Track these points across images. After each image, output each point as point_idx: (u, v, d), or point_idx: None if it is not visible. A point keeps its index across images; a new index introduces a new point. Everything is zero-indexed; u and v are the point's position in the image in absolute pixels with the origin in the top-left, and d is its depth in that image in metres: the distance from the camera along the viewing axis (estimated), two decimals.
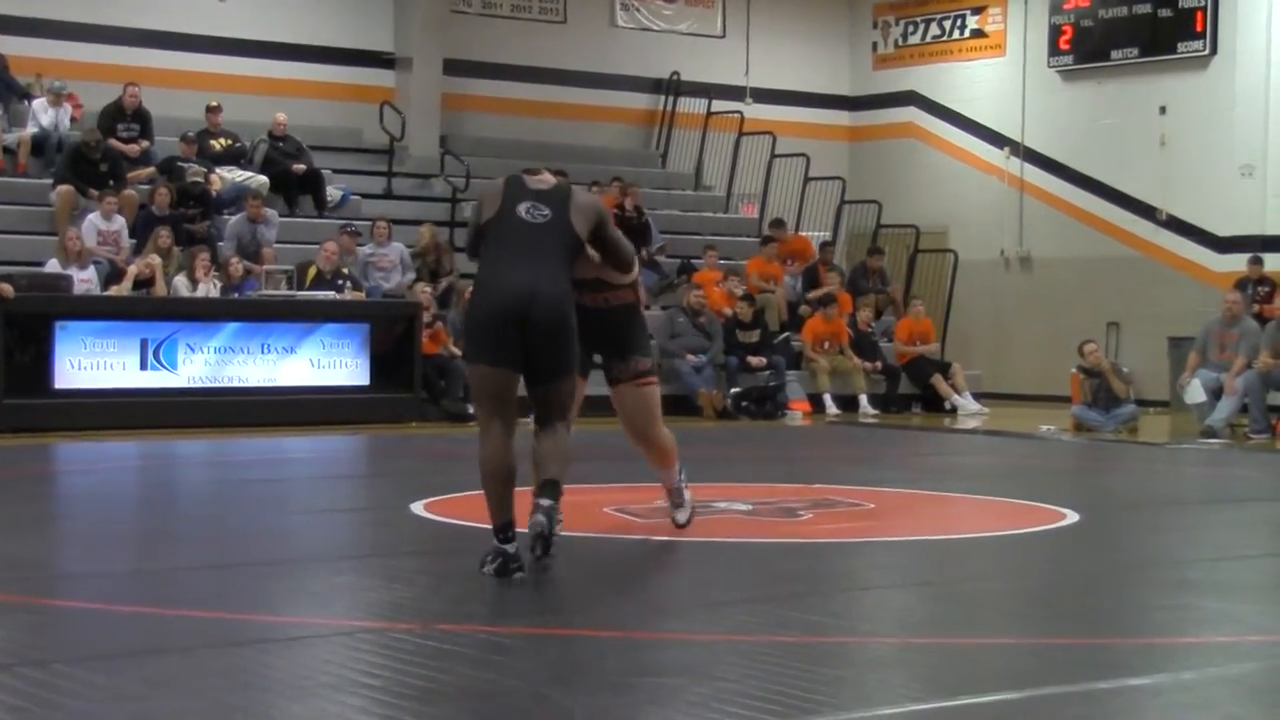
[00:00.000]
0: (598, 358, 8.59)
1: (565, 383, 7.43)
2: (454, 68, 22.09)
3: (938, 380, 20.50)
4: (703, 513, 9.21)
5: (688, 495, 8.75)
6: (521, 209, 7.36)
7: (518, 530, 7.28)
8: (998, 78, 23.83)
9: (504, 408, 7.28)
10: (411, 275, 18.72)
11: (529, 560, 7.29)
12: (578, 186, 7.92)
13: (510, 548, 7.11)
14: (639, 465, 13.46)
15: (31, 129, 18.75)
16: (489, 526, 7.26)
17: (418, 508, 9.78)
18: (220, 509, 10.49)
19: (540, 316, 7.16)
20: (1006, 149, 23.61)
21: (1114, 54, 22.35)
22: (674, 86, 23.99)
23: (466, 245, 7.75)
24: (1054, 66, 23.04)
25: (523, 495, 7.41)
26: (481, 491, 7.38)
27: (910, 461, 14.78)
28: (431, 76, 21.91)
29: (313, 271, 17.62)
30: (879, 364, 20.42)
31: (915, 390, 20.76)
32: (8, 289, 15.14)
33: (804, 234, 22.73)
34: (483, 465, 7.28)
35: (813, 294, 21.05)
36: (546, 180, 7.54)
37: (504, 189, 7.48)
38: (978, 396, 20.68)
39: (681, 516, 8.73)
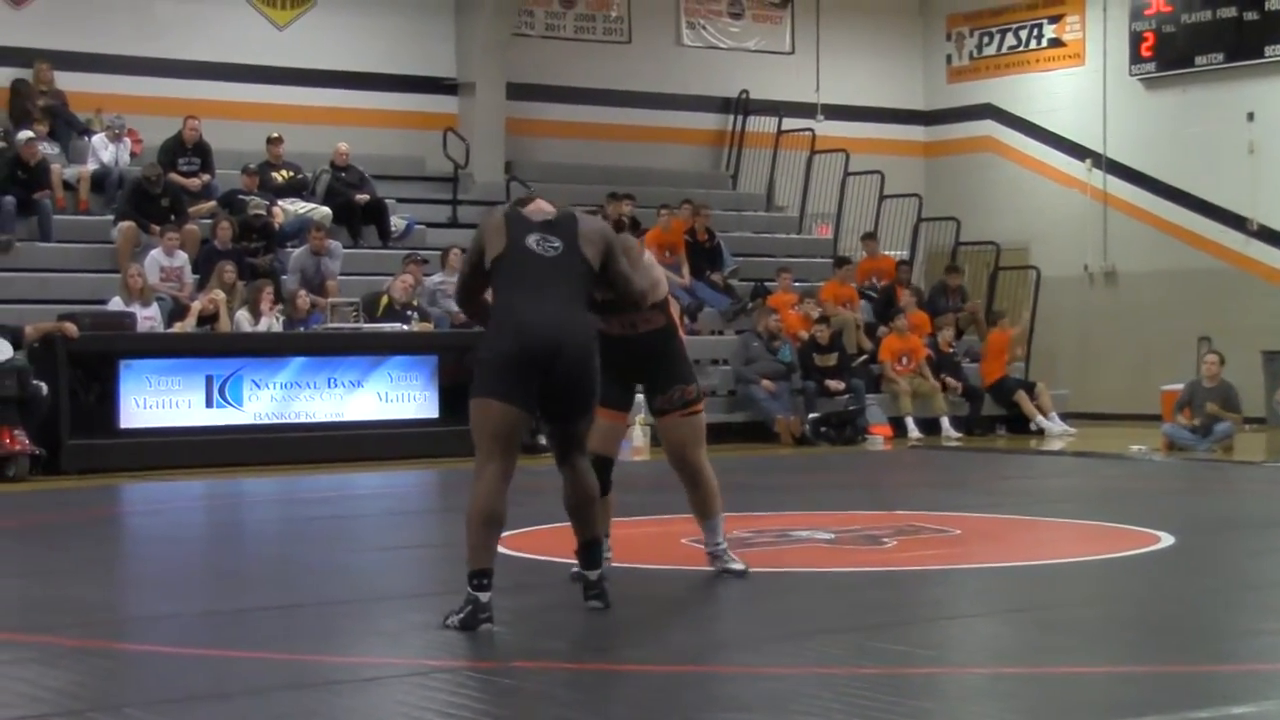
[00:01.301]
0: (639, 388, 8.25)
1: (587, 419, 7.12)
2: (517, 92, 21.86)
3: (1022, 399, 20.03)
4: (783, 542, 9.14)
5: (727, 553, 8.24)
6: (531, 241, 7.02)
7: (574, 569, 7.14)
8: (1077, 88, 23.44)
9: (507, 450, 6.87)
10: None
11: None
12: (583, 212, 7.46)
13: (484, 596, 6.72)
14: None
15: (92, 165, 18.67)
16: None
17: (502, 549, 9.49)
18: (289, 548, 10.50)
19: (568, 360, 6.87)
20: (1088, 161, 23.18)
21: (1198, 60, 21.95)
22: (743, 105, 23.72)
23: (460, 288, 7.38)
24: (1136, 75, 22.65)
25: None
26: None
27: (996, 485, 14.57)
28: (495, 101, 21.68)
29: (384, 302, 17.40)
30: (960, 385, 19.95)
31: (1000, 411, 20.28)
32: (71, 328, 15.07)
33: (884, 253, 22.33)
34: (472, 507, 6.83)
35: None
36: (547, 210, 7.18)
37: (505, 224, 7.09)
38: (1064, 416, 20.25)
39: (738, 565, 8.21)
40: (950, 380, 19.87)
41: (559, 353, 6.81)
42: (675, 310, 8.22)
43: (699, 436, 8.10)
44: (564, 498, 7.14)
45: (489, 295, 7.15)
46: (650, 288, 7.75)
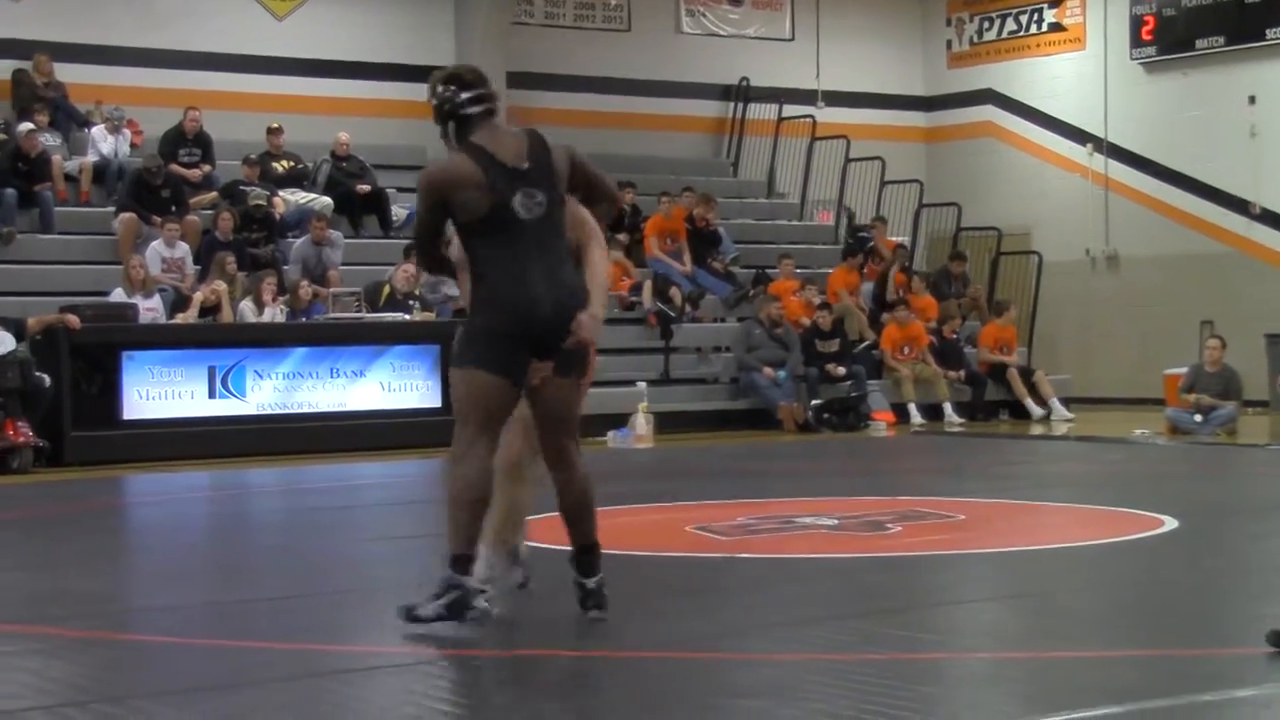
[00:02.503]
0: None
1: (576, 390, 6.47)
2: (517, 80, 21.78)
3: (1013, 378, 19.91)
4: (786, 528, 9.05)
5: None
6: (518, 204, 6.29)
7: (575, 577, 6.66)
8: (1078, 72, 23.39)
9: (495, 424, 6.34)
10: None
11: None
12: (549, 138, 6.51)
13: (471, 581, 6.30)
14: (717, 479, 13.25)
15: (92, 157, 18.64)
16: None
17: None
18: (293, 538, 10.46)
19: (561, 321, 6.33)
20: (1089, 145, 23.14)
21: (1199, 43, 21.89)
22: (743, 92, 23.68)
23: (422, 253, 6.66)
24: (1137, 58, 22.59)
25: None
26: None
27: (999, 470, 14.52)
28: (495, 89, 21.58)
29: (386, 292, 17.38)
30: (962, 372, 19.91)
31: (1003, 397, 20.24)
32: (74, 320, 15.06)
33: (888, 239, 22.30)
34: (456, 488, 6.30)
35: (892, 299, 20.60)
36: (519, 150, 6.37)
37: (483, 175, 6.28)
38: (1066, 402, 20.15)
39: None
40: (950, 373, 19.79)
41: (559, 329, 6.32)
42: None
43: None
44: (558, 497, 6.54)
45: (453, 250, 6.59)
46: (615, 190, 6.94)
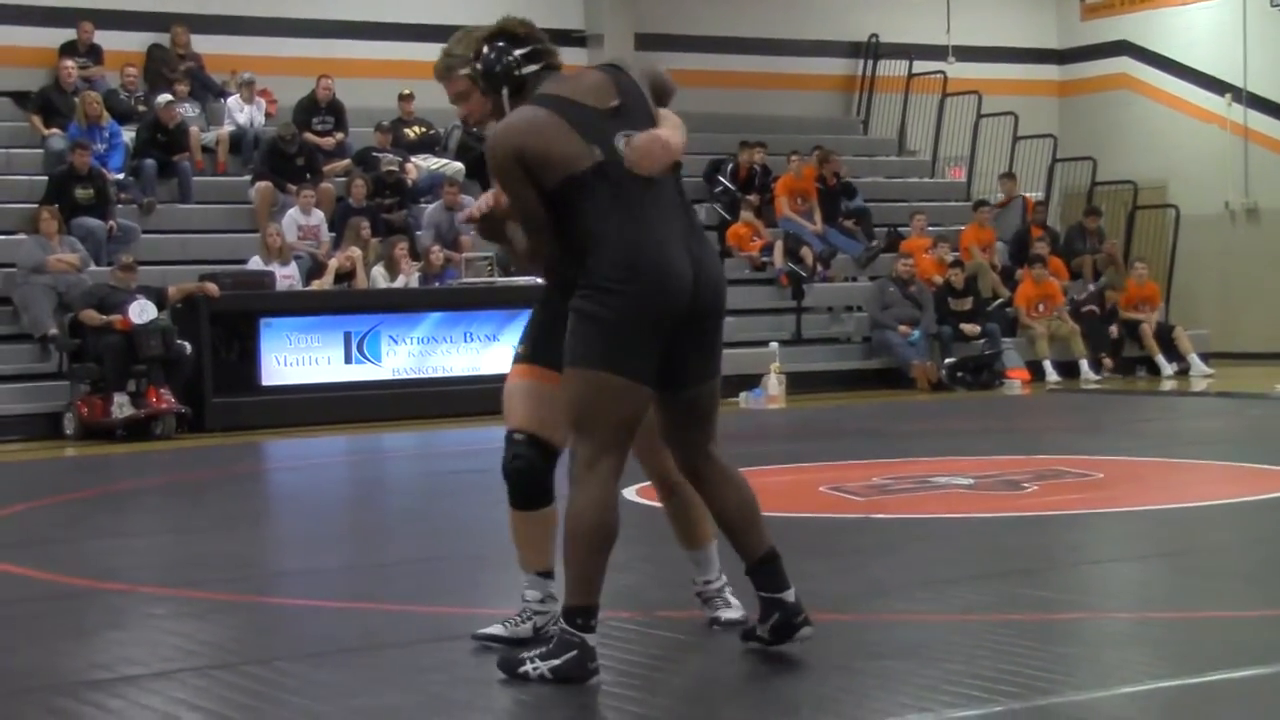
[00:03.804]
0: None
1: (716, 386, 5.30)
2: (646, 42, 21.78)
3: (1144, 335, 19.65)
4: (922, 488, 9.06)
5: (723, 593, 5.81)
6: (621, 145, 5.09)
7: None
8: (1216, 20, 22.95)
9: (624, 439, 5.11)
10: None
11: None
12: (631, 64, 5.35)
13: (592, 639, 5.07)
14: (852, 439, 13.21)
15: (228, 127, 18.87)
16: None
17: (630, 493, 9.51)
18: (429, 502, 10.54)
19: (706, 305, 5.13)
20: (1228, 95, 22.68)
21: None
22: (873, 49, 23.48)
23: (533, 228, 5.15)
24: (1277, 4, 22.06)
25: None
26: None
27: (1137, 428, 14.34)
28: (624, 51, 21.61)
29: None
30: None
31: (1140, 354, 19.97)
32: (213, 288, 15.28)
33: (1021, 194, 22.05)
34: (581, 518, 5.02)
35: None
36: (601, 86, 5.17)
37: (569, 126, 5.05)
38: (1205, 357, 19.84)
39: (734, 613, 5.76)
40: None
41: (708, 310, 5.13)
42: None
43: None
44: (714, 509, 5.31)
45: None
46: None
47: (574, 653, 5.02)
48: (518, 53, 5.20)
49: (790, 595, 5.29)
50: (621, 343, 5.00)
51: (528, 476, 5.43)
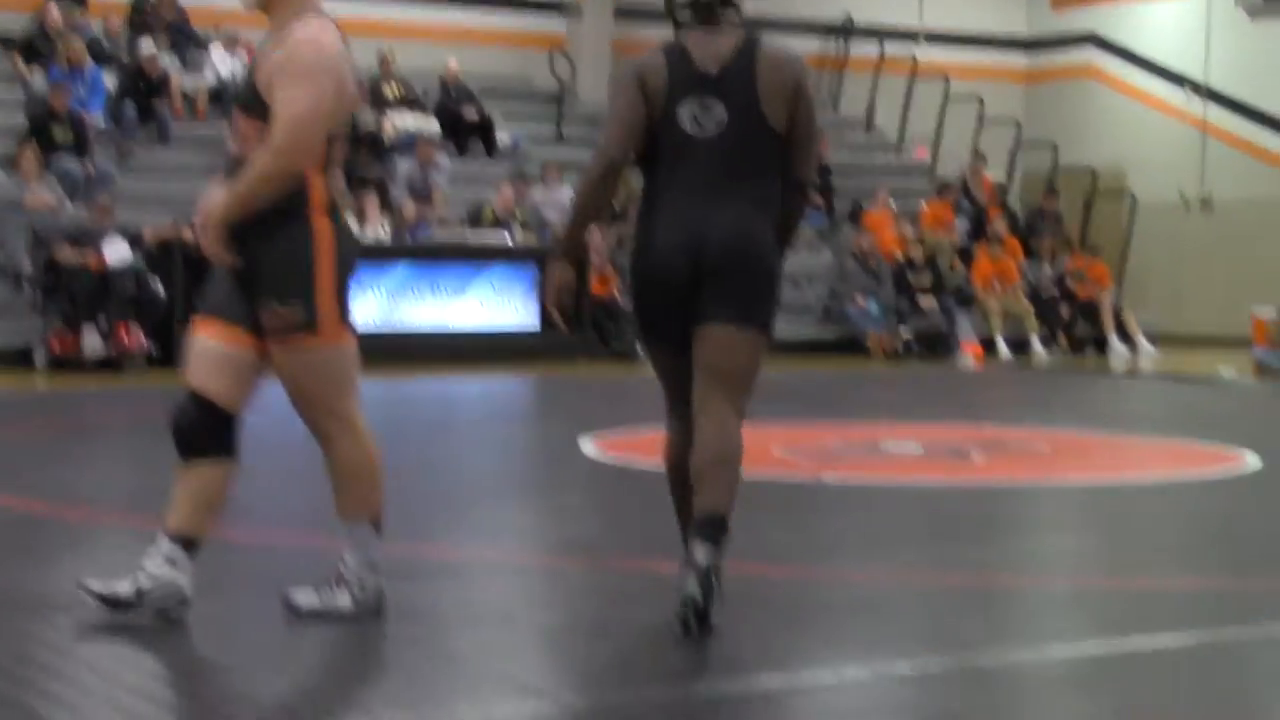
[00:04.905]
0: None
1: (744, 342, 5.23)
2: (625, 13, 21.97)
3: (1105, 312, 20.05)
4: (873, 455, 9.04)
5: (355, 575, 5.25)
6: (683, 114, 5.13)
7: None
8: (1181, 17, 23.24)
9: (677, 395, 5.39)
10: None
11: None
12: (772, 46, 5.26)
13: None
14: (807, 404, 13.36)
15: (210, 79, 18.94)
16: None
17: (586, 446, 9.78)
18: (389, 446, 10.52)
19: (714, 262, 5.12)
20: (1187, 87, 23.00)
21: None
22: (846, 30, 23.65)
23: (611, 148, 5.12)
24: (1240, 3, 22.38)
25: None
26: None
27: (1084, 404, 14.56)
28: (602, 23, 21.85)
29: (488, 212, 17.80)
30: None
31: (1090, 333, 20.34)
32: (188, 232, 15.34)
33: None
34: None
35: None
36: (719, 53, 5.14)
37: (664, 73, 5.13)
38: (1154, 340, 20.24)
39: (344, 603, 5.22)
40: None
41: (703, 259, 5.11)
42: (337, 182, 5.42)
43: (317, 381, 5.18)
44: (692, 453, 5.16)
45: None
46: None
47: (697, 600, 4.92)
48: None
49: (691, 583, 4.91)
50: (641, 309, 5.27)
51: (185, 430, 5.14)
